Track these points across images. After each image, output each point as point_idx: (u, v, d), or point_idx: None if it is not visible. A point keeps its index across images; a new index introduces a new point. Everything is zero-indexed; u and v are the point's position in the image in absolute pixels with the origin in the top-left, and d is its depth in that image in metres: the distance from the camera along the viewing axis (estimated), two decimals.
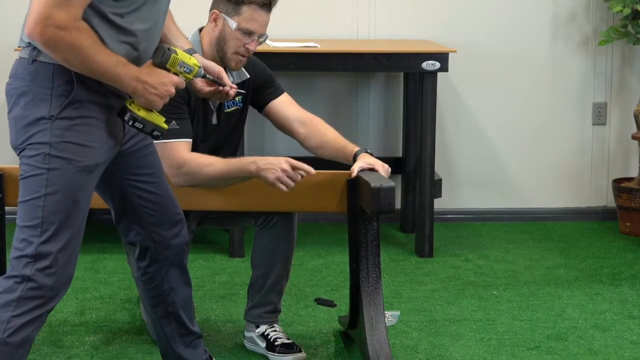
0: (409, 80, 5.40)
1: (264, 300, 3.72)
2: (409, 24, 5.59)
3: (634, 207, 5.36)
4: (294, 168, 3.33)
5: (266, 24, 3.51)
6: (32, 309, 2.59)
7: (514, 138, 5.70)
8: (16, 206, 3.68)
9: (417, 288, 4.50)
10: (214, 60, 3.46)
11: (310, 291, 4.43)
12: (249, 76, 3.62)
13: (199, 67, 2.80)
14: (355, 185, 3.46)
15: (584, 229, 5.55)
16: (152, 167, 2.94)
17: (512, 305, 4.28)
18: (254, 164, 3.35)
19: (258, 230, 3.70)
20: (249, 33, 3.48)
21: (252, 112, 3.78)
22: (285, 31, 5.48)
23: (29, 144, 2.61)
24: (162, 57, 2.68)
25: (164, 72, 2.68)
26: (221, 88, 3.07)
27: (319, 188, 3.52)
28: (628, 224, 5.40)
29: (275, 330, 3.72)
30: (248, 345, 3.78)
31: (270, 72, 3.72)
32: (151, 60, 2.70)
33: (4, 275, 2.63)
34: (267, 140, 5.56)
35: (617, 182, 5.53)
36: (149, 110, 2.69)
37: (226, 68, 3.54)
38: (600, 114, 5.72)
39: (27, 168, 2.62)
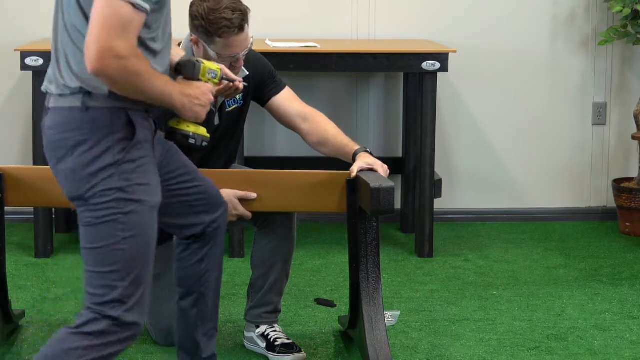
0: (409, 80, 5.40)
1: (264, 301, 3.72)
2: (409, 24, 5.59)
3: (634, 207, 5.36)
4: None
5: (246, 39, 3.45)
6: (120, 349, 2.64)
7: (514, 138, 5.70)
8: (16, 206, 3.70)
9: (417, 288, 4.50)
10: None
11: (310, 291, 4.43)
12: (247, 73, 3.61)
13: (220, 70, 2.91)
14: (355, 186, 3.46)
15: (584, 229, 5.55)
16: (182, 163, 3.03)
17: (512, 305, 4.28)
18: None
19: (258, 230, 3.71)
20: (230, 56, 3.46)
21: (252, 110, 3.78)
22: (285, 31, 5.48)
23: (97, 192, 2.59)
24: (194, 70, 2.76)
25: (199, 83, 2.77)
26: (232, 84, 3.18)
27: (319, 188, 3.53)
28: (628, 224, 5.40)
29: (275, 331, 3.72)
30: (248, 345, 3.78)
31: (271, 68, 3.71)
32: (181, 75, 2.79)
33: (91, 319, 2.61)
34: (267, 140, 5.56)
35: (617, 182, 5.53)
36: (195, 123, 2.74)
37: None
38: (600, 114, 5.72)
39: (98, 215, 2.60)
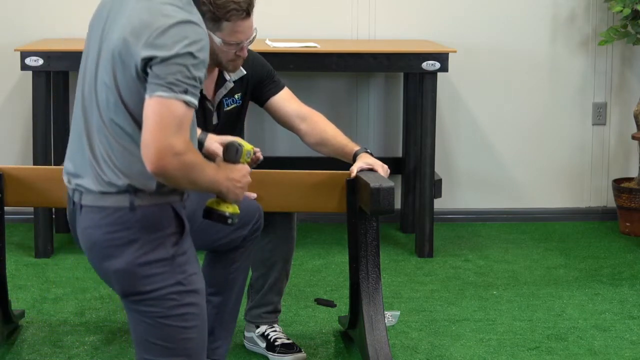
0: (409, 80, 5.40)
1: (264, 301, 3.72)
2: (409, 24, 5.59)
3: (634, 207, 5.36)
4: None
5: (251, 27, 3.44)
6: None
7: (514, 138, 5.70)
8: (16, 206, 3.71)
9: (417, 288, 4.50)
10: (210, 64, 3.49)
11: (310, 291, 4.43)
12: (245, 72, 3.61)
13: (253, 149, 2.95)
14: (355, 186, 3.46)
15: (584, 229, 5.55)
16: (206, 195, 3.03)
17: (512, 305, 4.28)
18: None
19: None
20: (236, 43, 3.46)
21: (252, 111, 3.78)
22: (285, 31, 5.48)
23: (156, 288, 2.58)
24: (236, 155, 2.78)
25: (238, 165, 2.76)
26: (253, 156, 3.25)
27: (319, 188, 3.52)
28: (628, 224, 5.40)
29: (275, 331, 3.72)
30: (248, 345, 3.79)
31: (269, 68, 3.71)
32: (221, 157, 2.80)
33: None
34: (267, 140, 5.56)
35: (617, 182, 5.53)
36: (232, 204, 2.75)
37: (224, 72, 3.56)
38: (600, 114, 5.72)
39: (159, 308, 2.58)
